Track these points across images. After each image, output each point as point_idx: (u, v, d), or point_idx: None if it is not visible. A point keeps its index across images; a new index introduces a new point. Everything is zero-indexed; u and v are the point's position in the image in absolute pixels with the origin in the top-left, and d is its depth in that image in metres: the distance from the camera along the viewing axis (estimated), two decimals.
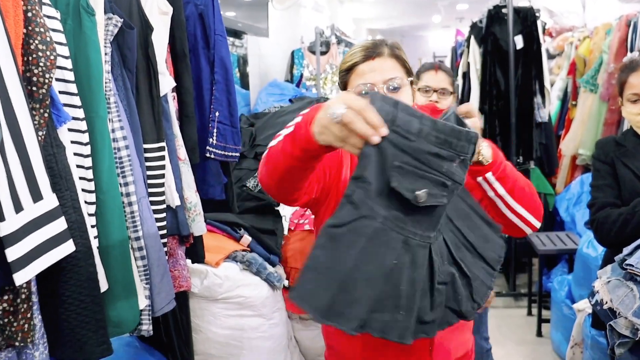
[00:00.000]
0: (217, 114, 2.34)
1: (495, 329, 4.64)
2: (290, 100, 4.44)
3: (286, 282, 3.14)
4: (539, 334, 4.61)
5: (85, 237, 1.53)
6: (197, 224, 2.22)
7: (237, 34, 4.75)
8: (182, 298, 2.67)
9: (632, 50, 4.76)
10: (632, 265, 1.83)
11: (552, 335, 4.30)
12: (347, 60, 1.70)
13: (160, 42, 2.10)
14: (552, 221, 5.28)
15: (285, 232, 3.29)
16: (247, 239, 3.04)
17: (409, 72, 1.71)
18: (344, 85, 1.75)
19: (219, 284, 2.78)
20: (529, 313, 5.00)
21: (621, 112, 4.75)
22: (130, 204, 1.85)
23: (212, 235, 3.00)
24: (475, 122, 1.33)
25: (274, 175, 1.41)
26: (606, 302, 1.95)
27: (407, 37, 14.93)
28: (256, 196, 3.37)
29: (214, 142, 2.34)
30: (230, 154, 2.40)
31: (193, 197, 2.21)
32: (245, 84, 5.00)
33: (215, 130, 2.34)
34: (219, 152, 2.36)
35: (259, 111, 4.33)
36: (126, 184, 1.85)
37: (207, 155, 2.34)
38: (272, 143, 1.41)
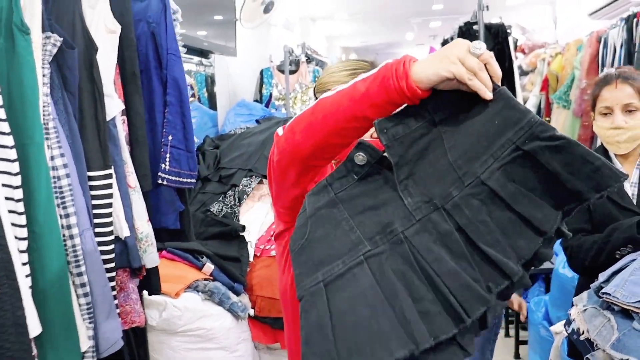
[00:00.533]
0: (170, 137, 2.21)
1: None
2: (257, 121, 4.32)
3: (251, 312, 3.00)
4: (517, 356, 4.51)
5: (13, 277, 1.39)
6: (150, 255, 2.08)
7: (204, 54, 4.63)
8: (139, 332, 2.52)
9: (603, 66, 4.73)
10: (609, 294, 1.72)
11: (530, 357, 4.20)
12: (342, 81, 1.57)
13: (108, 63, 1.97)
14: None
15: (251, 258, 3.15)
16: (209, 267, 2.90)
17: None
18: None
19: (179, 316, 2.64)
20: (507, 334, 4.90)
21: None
22: (71, 237, 1.71)
23: (172, 263, 2.87)
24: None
25: (325, 126, 1.23)
26: (583, 332, 1.84)
27: (381, 54, 14.89)
28: (220, 221, 3.24)
29: (167, 167, 2.21)
30: (185, 180, 2.26)
31: (145, 226, 2.07)
32: (213, 105, 4.87)
33: (168, 155, 2.20)
34: (173, 178, 2.23)
35: (226, 132, 4.21)
36: (67, 216, 1.71)
37: (160, 181, 2.20)
38: (326, 94, 1.25)
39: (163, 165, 2.22)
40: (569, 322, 1.99)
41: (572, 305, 2.06)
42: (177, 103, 2.23)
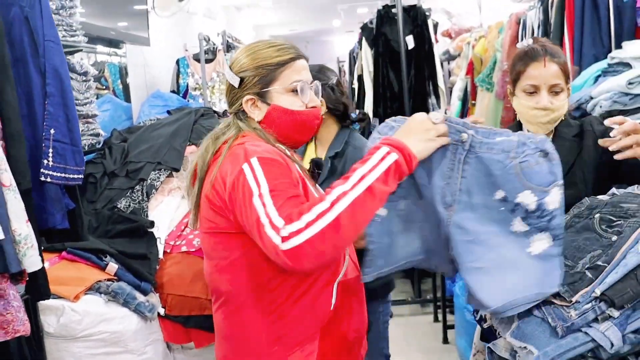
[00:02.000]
0: (52, 131, 2.05)
1: (400, 337, 4.50)
2: (168, 112, 4.15)
3: (161, 310, 2.86)
4: (445, 340, 4.50)
5: None
6: (30, 259, 1.92)
7: (113, 43, 4.44)
8: (35, 340, 2.36)
9: None
10: None
11: (457, 342, 4.19)
12: (275, 55, 1.73)
13: None
14: None
15: (161, 255, 3.01)
16: (112, 266, 2.75)
17: None
18: (267, 82, 1.73)
19: (78, 321, 2.49)
20: (436, 319, 4.89)
21: None
22: None
23: (73, 265, 2.71)
24: None
25: (358, 231, 1.50)
26: (487, 319, 1.79)
27: (312, 42, 14.78)
28: (128, 218, 3.08)
29: (50, 163, 2.05)
30: (71, 175, 2.11)
31: (23, 228, 1.90)
32: (127, 96, 4.69)
33: (50, 150, 2.05)
34: (58, 174, 2.07)
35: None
36: None
37: (43, 179, 2.05)
38: (355, 193, 1.45)
39: (46, 161, 2.06)
40: (476, 309, 1.94)
41: None
42: (58, 94, 2.08)
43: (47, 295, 2.15)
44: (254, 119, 1.77)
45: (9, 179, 1.90)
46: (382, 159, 1.49)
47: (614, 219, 1.64)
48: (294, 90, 1.74)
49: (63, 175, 2.09)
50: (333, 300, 1.73)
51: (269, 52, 1.75)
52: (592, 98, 2.88)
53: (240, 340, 1.75)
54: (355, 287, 1.84)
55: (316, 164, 1.97)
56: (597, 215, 1.69)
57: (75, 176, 2.13)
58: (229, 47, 5.66)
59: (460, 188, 1.62)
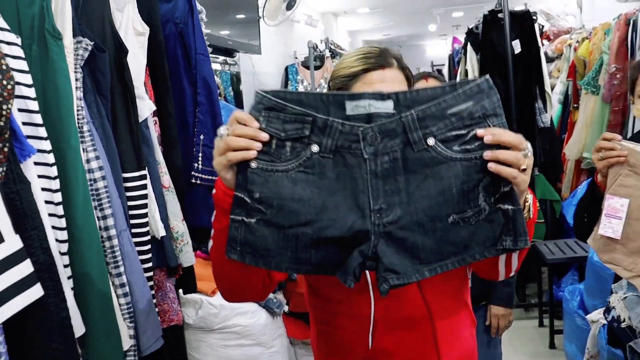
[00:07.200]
0: (202, 137, 2.22)
1: (506, 341, 4.48)
2: None
3: (286, 308, 3.01)
4: (552, 345, 4.47)
5: (56, 279, 1.41)
6: (185, 254, 2.10)
7: (228, 52, 4.64)
8: (177, 330, 2.55)
9: (632, 49, 4.65)
10: None
11: (565, 347, 4.16)
12: (350, 66, 1.54)
13: (138, 65, 1.99)
14: (560, 228, 5.14)
15: None
16: None
17: (411, 85, 1.58)
18: None
19: (215, 314, 2.65)
20: (541, 324, 4.86)
21: (624, 114, 4.62)
22: (109, 238, 1.73)
23: (207, 262, 2.88)
24: None
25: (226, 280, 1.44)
26: (624, 320, 1.82)
27: (405, 46, 14.79)
28: None
29: (200, 166, 2.22)
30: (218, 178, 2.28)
31: (180, 226, 2.09)
32: (239, 103, 4.89)
33: (200, 155, 2.22)
34: (206, 177, 2.24)
35: None
36: (104, 217, 1.73)
37: (193, 181, 2.22)
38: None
39: (196, 165, 2.24)
40: (608, 310, 1.98)
41: (611, 293, 2.04)
42: (207, 102, 2.25)
43: (193, 288, 2.33)
44: None
45: (168, 181, 2.09)
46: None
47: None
48: None
49: (211, 177, 2.26)
50: (370, 339, 1.55)
51: (348, 62, 1.57)
52: None
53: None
54: (412, 327, 1.57)
55: None
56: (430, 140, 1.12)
57: None
58: (332, 54, 5.80)
59: None
